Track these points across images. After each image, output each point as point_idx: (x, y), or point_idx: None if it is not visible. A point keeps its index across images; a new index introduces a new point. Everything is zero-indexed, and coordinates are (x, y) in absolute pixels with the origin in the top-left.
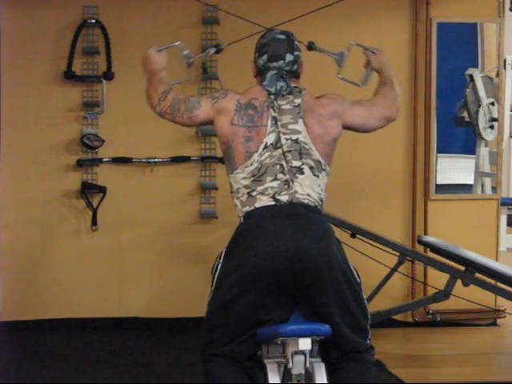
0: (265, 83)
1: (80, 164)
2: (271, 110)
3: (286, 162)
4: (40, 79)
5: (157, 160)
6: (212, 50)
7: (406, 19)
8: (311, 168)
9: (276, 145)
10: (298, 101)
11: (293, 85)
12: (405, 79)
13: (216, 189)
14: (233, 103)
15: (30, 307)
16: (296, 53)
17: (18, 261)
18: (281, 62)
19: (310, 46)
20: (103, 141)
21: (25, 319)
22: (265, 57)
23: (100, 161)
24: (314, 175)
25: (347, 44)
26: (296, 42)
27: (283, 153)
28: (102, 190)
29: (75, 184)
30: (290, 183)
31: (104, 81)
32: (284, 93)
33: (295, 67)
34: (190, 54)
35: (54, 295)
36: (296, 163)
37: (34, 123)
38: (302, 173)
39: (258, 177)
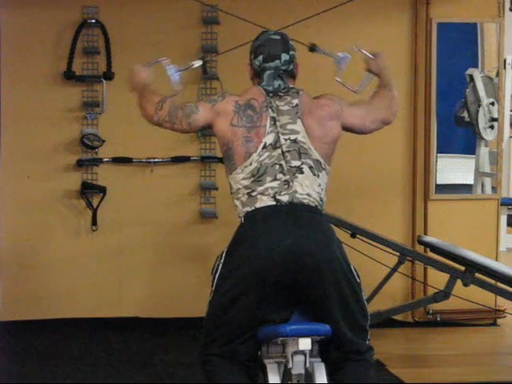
0: (263, 83)
1: (80, 164)
2: (270, 110)
3: (286, 162)
4: (40, 79)
5: (157, 160)
6: (197, 63)
7: (406, 19)
8: (311, 167)
9: (275, 145)
10: (295, 101)
11: (290, 85)
12: (405, 79)
13: (216, 189)
14: (231, 105)
15: (30, 307)
16: (291, 52)
17: (18, 261)
18: (277, 61)
19: (312, 48)
20: (103, 141)
21: (25, 319)
22: (260, 57)
23: (100, 161)
24: (314, 175)
25: (347, 44)
26: (291, 42)
27: (282, 153)
28: (102, 190)
29: (75, 184)
30: (290, 183)
31: (104, 81)
32: (282, 92)
33: (291, 67)
34: (174, 68)
35: (54, 295)
36: (295, 163)
37: (34, 123)
38: (302, 172)
39: (257, 177)
